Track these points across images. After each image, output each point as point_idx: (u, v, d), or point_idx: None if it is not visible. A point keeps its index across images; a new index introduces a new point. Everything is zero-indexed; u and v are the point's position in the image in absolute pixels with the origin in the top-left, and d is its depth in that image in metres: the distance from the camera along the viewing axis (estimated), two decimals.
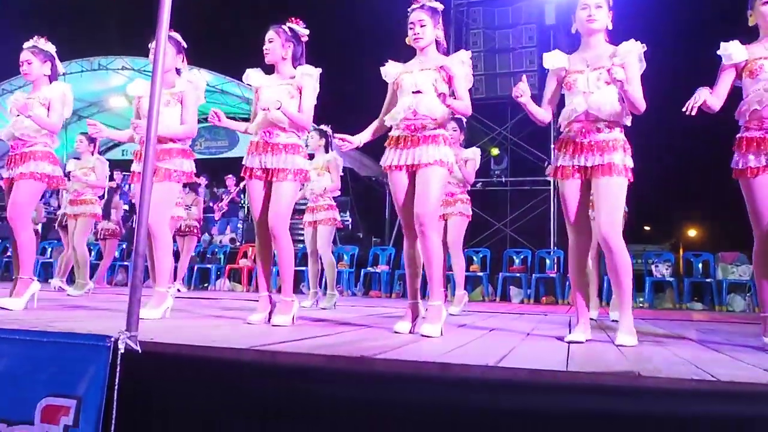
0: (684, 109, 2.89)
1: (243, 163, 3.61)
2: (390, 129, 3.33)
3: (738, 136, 2.99)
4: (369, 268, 9.55)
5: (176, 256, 7.40)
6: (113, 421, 2.06)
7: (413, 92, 3.18)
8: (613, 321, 4.35)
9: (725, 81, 3.00)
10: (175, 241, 8.78)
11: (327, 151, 5.70)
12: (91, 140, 6.54)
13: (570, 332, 3.04)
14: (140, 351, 2.13)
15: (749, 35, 3.07)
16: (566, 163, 2.98)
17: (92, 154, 6.65)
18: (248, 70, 3.69)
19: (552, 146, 2.84)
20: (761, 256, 2.95)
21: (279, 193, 3.50)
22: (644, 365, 2.08)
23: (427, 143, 3.14)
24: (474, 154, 5.37)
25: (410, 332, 3.10)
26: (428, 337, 2.89)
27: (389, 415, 1.83)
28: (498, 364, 1.96)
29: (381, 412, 1.85)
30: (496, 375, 1.85)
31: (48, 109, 3.95)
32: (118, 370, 2.08)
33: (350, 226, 11.98)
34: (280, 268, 3.66)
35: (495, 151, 11.58)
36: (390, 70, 3.37)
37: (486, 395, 1.79)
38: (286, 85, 3.55)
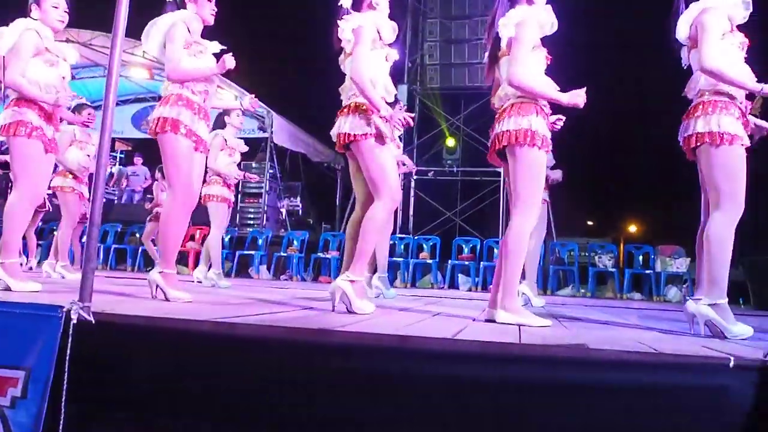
0: None
1: (180, 119, 3.15)
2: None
3: None
4: (319, 254, 9.54)
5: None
6: (64, 392, 2.03)
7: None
8: None
9: None
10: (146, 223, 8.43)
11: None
12: None
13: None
14: (93, 322, 2.10)
15: None
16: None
17: None
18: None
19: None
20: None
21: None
22: (592, 340, 2.17)
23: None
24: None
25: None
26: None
27: (349, 384, 1.86)
28: (455, 337, 2.02)
29: (340, 382, 1.88)
30: (454, 347, 1.91)
31: None
32: (69, 340, 2.05)
33: (300, 212, 11.94)
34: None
35: (450, 143, 11.65)
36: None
37: (443, 366, 1.84)
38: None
